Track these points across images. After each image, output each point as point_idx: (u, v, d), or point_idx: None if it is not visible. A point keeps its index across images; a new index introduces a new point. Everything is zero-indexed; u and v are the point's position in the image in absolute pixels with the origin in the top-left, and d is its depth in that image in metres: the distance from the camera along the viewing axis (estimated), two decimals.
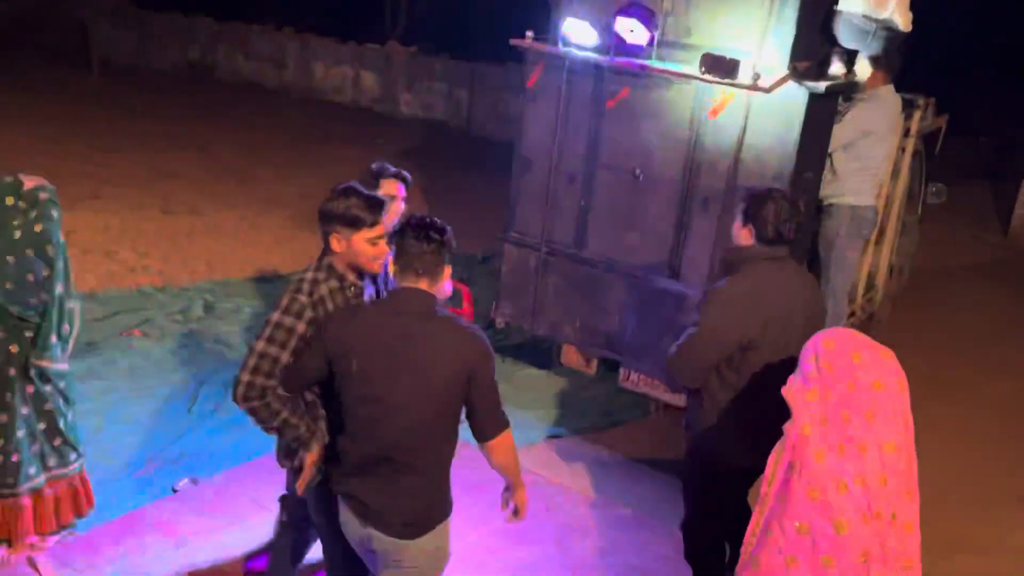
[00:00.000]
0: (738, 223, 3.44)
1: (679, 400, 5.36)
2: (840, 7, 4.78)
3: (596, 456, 5.35)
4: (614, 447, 5.45)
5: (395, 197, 3.67)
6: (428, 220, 2.78)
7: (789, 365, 2.77)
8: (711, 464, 3.53)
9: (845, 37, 4.85)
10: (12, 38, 17.23)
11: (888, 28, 4.79)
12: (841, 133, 5.27)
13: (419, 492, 2.80)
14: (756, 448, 2.87)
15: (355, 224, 2.88)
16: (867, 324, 6.56)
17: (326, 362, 2.83)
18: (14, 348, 3.62)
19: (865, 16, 4.73)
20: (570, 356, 5.80)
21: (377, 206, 2.92)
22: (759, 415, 2.99)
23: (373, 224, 2.90)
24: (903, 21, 4.82)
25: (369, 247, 2.92)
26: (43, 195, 3.56)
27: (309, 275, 2.94)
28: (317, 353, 2.84)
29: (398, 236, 2.77)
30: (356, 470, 2.83)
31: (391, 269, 2.85)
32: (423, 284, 2.76)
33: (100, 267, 7.28)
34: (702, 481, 3.63)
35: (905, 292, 7.85)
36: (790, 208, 3.35)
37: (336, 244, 2.91)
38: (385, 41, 15.76)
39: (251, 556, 4.03)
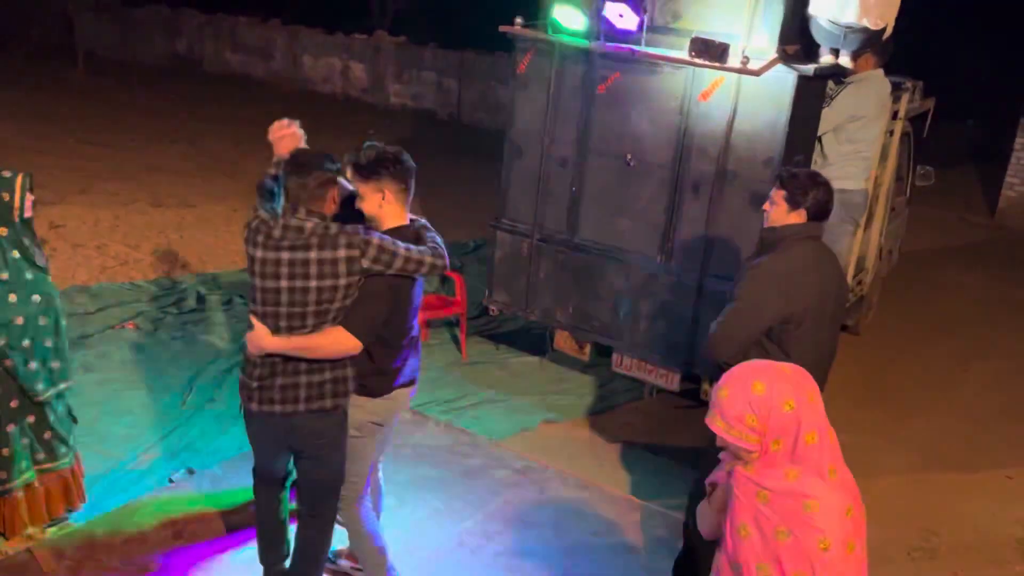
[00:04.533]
0: (778, 203, 3.45)
1: (671, 384, 5.40)
2: (810, 11, 4.82)
3: (591, 440, 5.38)
4: (608, 431, 5.48)
5: None
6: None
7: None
8: None
9: (820, 38, 4.89)
10: None
11: (858, 30, 4.80)
12: (830, 116, 5.29)
13: None
14: None
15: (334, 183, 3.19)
16: (858, 306, 6.60)
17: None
18: (0, 341, 3.61)
19: (831, 21, 4.77)
20: (563, 342, 5.83)
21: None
22: None
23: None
24: (872, 21, 4.80)
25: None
26: None
27: (349, 226, 3.13)
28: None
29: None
30: None
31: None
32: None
33: (92, 261, 7.26)
34: None
35: (894, 274, 7.90)
36: (828, 188, 3.44)
37: (333, 204, 3.18)
38: (373, 31, 15.72)
39: None
